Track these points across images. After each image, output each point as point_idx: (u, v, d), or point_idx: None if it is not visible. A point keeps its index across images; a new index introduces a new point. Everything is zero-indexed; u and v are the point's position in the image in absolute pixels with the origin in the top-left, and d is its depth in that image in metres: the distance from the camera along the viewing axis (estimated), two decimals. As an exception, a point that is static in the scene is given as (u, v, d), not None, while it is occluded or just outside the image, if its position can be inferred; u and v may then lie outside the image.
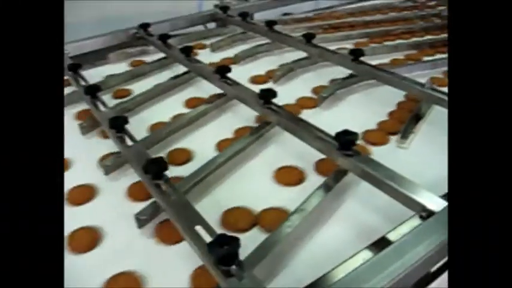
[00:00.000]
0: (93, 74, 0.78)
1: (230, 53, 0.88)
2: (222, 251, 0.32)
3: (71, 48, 0.85)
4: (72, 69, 0.71)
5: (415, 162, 0.52)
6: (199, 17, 1.00)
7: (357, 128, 0.58)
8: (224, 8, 0.98)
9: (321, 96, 0.66)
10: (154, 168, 0.44)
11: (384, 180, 0.42)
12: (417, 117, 0.61)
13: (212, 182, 0.50)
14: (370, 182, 0.44)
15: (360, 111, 0.65)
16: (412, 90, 0.62)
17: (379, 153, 0.54)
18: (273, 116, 0.56)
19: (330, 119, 0.63)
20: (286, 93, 0.71)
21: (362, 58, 0.69)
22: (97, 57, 0.91)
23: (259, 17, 1.06)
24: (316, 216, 0.44)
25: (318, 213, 0.44)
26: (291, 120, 0.54)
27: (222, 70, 0.66)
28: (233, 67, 0.81)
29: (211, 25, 1.08)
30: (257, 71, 0.79)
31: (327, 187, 0.46)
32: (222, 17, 1.00)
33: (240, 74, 0.78)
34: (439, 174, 0.42)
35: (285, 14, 1.11)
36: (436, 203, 0.39)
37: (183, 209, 0.40)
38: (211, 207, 0.46)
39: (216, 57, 0.88)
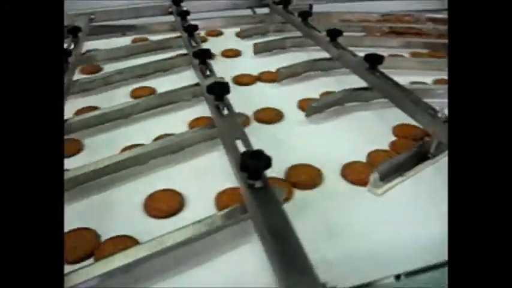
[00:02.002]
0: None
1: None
2: None
3: (101, 15, 0.83)
4: (71, 32, 0.68)
5: (379, 222, 0.37)
6: (245, -1, 0.90)
7: (342, 154, 0.45)
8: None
9: (310, 107, 0.52)
10: None
11: (266, 238, 0.29)
12: (420, 157, 0.44)
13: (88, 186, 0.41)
14: (258, 234, 0.31)
15: (359, 133, 0.50)
16: (420, 119, 0.44)
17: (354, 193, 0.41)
18: (218, 118, 0.44)
19: (312, 137, 0.49)
20: (280, 97, 0.58)
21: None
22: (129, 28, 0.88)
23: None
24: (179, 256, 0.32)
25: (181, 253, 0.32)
26: (231, 126, 0.42)
27: (201, 55, 0.55)
28: (247, 59, 0.72)
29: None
30: (271, 66, 0.66)
31: (213, 225, 0.34)
32: (269, 3, 0.88)
33: (248, 67, 0.67)
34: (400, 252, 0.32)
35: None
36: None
37: None
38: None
39: (242, 45, 0.77)
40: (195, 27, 0.67)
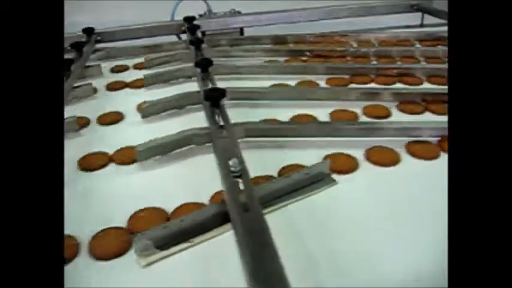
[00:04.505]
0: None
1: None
2: None
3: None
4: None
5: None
6: (160, 26, 0.86)
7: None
8: (188, 20, 0.82)
9: (138, 151, 0.46)
10: None
11: None
12: (221, 217, 0.37)
13: None
14: None
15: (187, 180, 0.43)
16: (219, 170, 0.37)
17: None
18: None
19: (136, 185, 0.44)
20: (134, 136, 0.52)
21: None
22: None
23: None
24: None
25: None
26: None
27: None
28: (135, 92, 0.67)
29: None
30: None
31: None
32: (186, 29, 0.83)
33: (123, 101, 0.62)
34: None
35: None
36: None
37: None
38: None
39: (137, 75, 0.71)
40: (67, 61, 0.63)
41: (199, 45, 0.66)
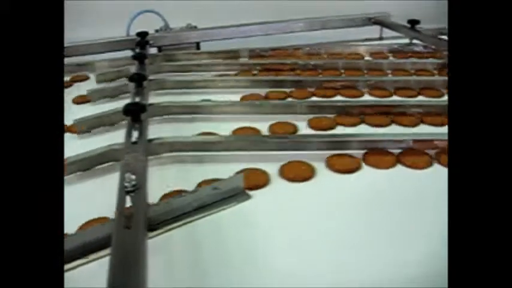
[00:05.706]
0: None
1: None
2: None
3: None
4: None
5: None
6: (115, 42, 0.86)
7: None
8: (141, 35, 0.83)
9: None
10: None
11: None
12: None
13: None
14: None
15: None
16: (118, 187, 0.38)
17: None
18: None
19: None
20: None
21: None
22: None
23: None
24: None
25: None
26: None
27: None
28: (79, 107, 0.67)
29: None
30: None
31: None
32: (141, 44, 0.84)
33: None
34: None
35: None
36: None
37: None
38: None
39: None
40: None
41: (142, 60, 0.67)
